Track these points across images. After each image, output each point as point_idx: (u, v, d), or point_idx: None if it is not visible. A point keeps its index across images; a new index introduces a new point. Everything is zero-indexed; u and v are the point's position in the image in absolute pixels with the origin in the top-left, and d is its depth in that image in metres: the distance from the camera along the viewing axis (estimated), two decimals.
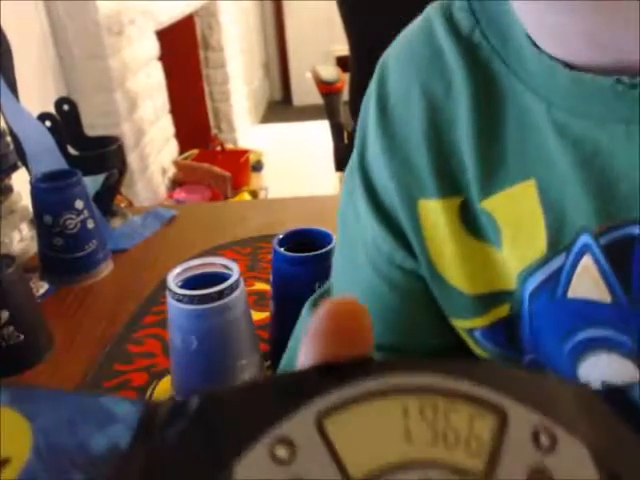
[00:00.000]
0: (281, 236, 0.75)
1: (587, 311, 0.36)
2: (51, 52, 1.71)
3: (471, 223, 0.39)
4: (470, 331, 0.41)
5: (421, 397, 0.17)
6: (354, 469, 0.16)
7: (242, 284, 0.61)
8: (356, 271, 0.46)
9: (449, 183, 0.39)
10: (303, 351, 0.17)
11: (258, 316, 0.78)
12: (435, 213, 0.40)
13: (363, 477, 0.15)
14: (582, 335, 0.36)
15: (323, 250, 0.70)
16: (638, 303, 0.34)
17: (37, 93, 1.55)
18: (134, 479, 0.16)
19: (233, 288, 0.59)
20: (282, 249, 0.72)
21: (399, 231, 0.42)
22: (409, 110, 0.41)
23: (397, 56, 0.43)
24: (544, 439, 0.16)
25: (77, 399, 0.18)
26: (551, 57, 0.34)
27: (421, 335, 0.45)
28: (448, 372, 0.17)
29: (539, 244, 0.36)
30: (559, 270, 0.36)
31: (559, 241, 0.36)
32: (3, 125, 0.96)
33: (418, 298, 0.43)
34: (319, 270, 0.65)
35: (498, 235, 0.38)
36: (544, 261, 0.36)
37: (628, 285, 0.34)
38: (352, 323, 0.17)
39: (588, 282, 0.35)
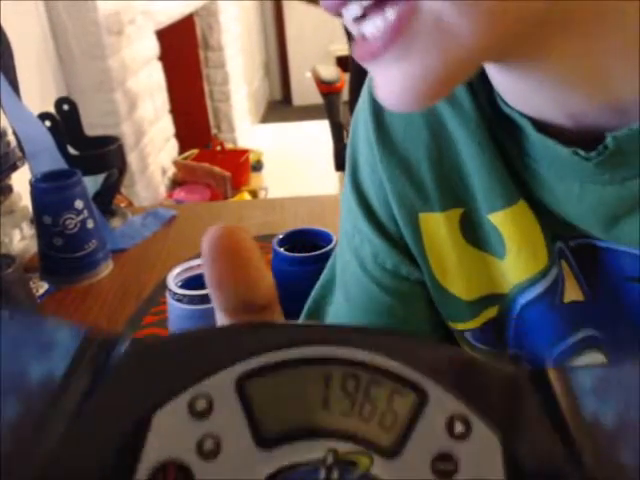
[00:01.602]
0: (281, 236, 0.75)
1: (575, 313, 0.38)
2: (51, 52, 1.71)
3: (471, 233, 0.40)
4: (461, 332, 0.43)
5: (345, 368, 0.17)
6: (267, 429, 0.16)
7: None
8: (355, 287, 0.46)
9: (451, 195, 0.40)
10: (213, 299, 0.18)
11: None
12: (437, 225, 0.41)
13: (273, 438, 0.16)
14: (572, 339, 0.39)
15: (323, 250, 0.70)
16: (601, 300, 0.37)
17: (37, 93, 1.55)
18: (62, 418, 0.16)
19: None
20: (282, 249, 0.72)
21: (402, 244, 0.43)
22: (410, 122, 0.41)
23: None
24: (459, 427, 0.16)
25: (25, 322, 0.18)
26: (523, 116, 0.35)
27: (420, 330, 0.46)
28: (376, 348, 0.17)
29: (542, 255, 0.38)
30: (556, 279, 0.38)
31: (554, 254, 0.38)
32: (4, 125, 0.96)
33: (422, 303, 0.44)
34: (319, 270, 0.65)
35: (502, 247, 0.39)
36: (544, 273, 0.38)
37: (591, 284, 0.37)
38: (237, 261, 0.18)
39: (570, 285, 0.38)
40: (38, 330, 0.18)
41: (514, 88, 0.35)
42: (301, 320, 0.50)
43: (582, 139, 0.33)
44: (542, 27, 0.28)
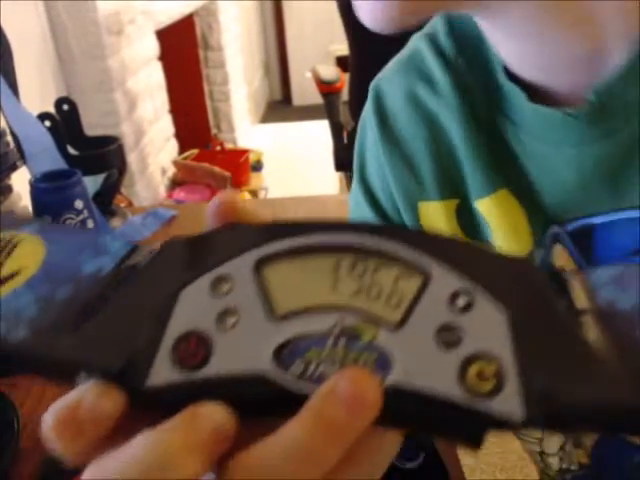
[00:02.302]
0: None
1: None
2: (51, 52, 1.71)
3: (466, 223, 0.43)
4: None
5: (355, 255, 0.19)
6: (279, 306, 0.18)
7: None
8: None
9: (449, 185, 0.43)
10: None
11: None
12: (435, 214, 0.44)
13: (285, 314, 0.18)
14: None
15: None
16: None
17: (37, 93, 1.55)
18: (106, 296, 0.19)
19: None
20: None
21: None
22: (409, 121, 0.45)
23: (390, 78, 0.48)
24: (461, 301, 0.17)
25: (89, 235, 0.22)
26: (519, 87, 0.38)
27: None
28: (385, 234, 0.19)
29: (526, 240, 0.40)
30: (543, 262, 0.40)
31: (541, 237, 0.40)
32: (3, 125, 0.96)
33: None
34: None
35: (490, 233, 0.42)
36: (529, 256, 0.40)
37: (594, 265, 0.38)
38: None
39: (567, 268, 0.38)
40: (97, 238, 0.22)
41: (509, 47, 0.37)
42: None
43: (570, 105, 0.35)
44: None
